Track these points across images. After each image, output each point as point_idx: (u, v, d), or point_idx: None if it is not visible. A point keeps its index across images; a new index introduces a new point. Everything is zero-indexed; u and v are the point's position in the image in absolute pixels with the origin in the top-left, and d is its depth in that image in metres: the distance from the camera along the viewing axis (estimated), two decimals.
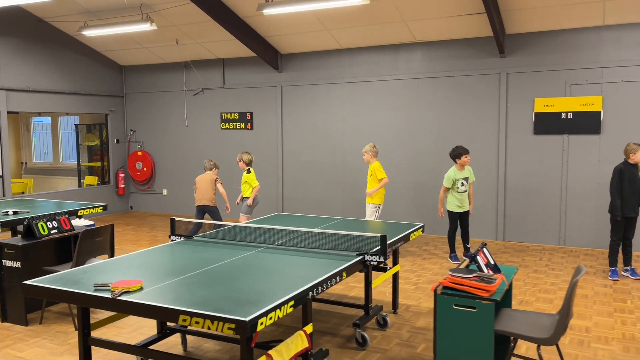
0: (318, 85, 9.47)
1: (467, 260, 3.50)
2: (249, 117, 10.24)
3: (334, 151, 9.38)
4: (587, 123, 7.52)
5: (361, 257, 3.72)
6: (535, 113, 7.82)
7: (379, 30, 8.37)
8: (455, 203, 6.80)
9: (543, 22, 7.48)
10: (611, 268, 6.13)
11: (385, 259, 3.70)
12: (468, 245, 7.00)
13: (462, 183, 6.79)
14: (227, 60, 10.35)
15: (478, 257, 3.33)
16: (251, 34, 8.98)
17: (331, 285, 3.29)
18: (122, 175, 11.54)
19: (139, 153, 11.49)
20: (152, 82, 11.22)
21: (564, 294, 5.45)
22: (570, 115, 7.62)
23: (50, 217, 4.96)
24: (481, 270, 3.29)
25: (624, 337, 4.40)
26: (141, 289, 3.00)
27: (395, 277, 4.93)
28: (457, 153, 6.78)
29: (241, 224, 4.96)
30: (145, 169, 11.46)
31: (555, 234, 7.85)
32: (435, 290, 3.18)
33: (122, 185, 11.55)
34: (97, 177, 11.91)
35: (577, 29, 7.50)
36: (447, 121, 8.49)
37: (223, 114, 10.47)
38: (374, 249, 3.82)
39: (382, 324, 4.51)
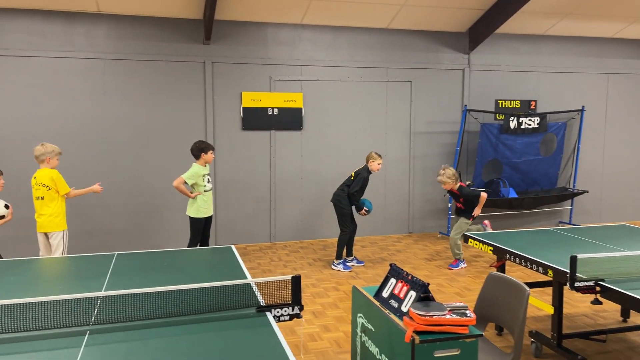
0: None
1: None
2: None
3: None
4: (290, 119, 7.66)
5: (265, 312, 2.53)
6: (243, 107, 7.46)
7: None
8: (201, 207, 5.68)
9: (250, 11, 7.13)
10: (341, 260, 6.39)
11: (301, 308, 2.63)
12: None
13: (209, 179, 5.75)
14: None
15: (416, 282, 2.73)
16: None
17: None
18: None
19: None
20: None
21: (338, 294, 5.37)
22: (276, 111, 7.59)
23: None
24: (422, 298, 2.71)
25: None
26: None
27: None
28: (204, 147, 5.67)
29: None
30: None
31: (266, 231, 7.75)
32: (412, 341, 2.42)
33: None
34: None
35: (280, 24, 7.50)
36: (146, 113, 7.12)
37: None
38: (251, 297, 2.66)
39: None
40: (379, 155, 6.32)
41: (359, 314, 3.10)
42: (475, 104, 8.27)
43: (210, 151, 5.70)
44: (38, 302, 2.45)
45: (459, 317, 2.51)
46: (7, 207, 4.95)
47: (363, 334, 3.03)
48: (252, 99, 7.48)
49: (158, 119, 7.16)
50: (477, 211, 6.23)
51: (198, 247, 4.61)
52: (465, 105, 7.84)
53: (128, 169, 7.10)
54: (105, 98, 6.95)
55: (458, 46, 8.22)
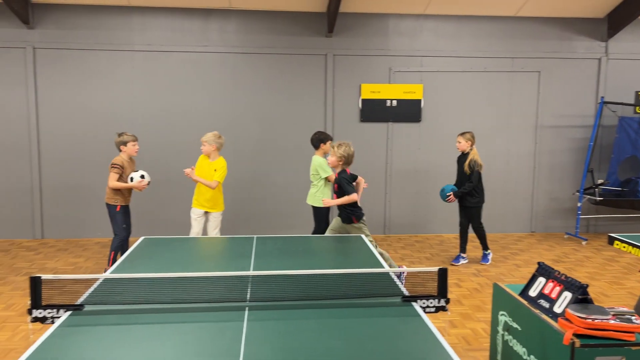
0: (95, 52, 7.07)
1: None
2: None
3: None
4: (409, 111, 7.57)
5: (411, 302, 2.53)
6: (362, 99, 7.49)
7: None
8: (323, 196, 5.78)
9: (374, 3, 7.13)
10: (487, 251, 6.25)
11: (447, 301, 2.60)
12: None
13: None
14: None
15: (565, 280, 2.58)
16: None
17: None
18: None
19: None
20: None
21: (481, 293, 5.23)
22: (394, 103, 7.55)
23: None
24: (580, 300, 2.55)
25: None
26: None
27: None
28: (323, 137, 5.79)
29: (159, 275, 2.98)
30: None
31: (380, 223, 7.76)
32: (571, 344, 2.29)
33: None
34: None
35: (401, 15, 7.42)
36: (270, 106, 7.41)
37: None
38: (397, 287, 2.66)
39: None
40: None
41: (501, 312, 3.00)
42: (613, 95, 7.61)
43: (329, 142, 5.79)
44: (202, 277, 2.65)
45: (625, 323, 2.33)
46: (142, 177, 5.38)
47: (506, 333, 2.93)
48: (371, 91, 7.49)
49: (281, 110, 7.42)
50: (331, 201, 4.97)
51: (328, 235, 4.71)
52: (602, 97, 7.25)
53: (253, 157, 7.43)
54: (234, 90, 7.32)
55: (594, 33, 7.61)
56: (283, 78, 7.37)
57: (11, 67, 6.95)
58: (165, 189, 7.23)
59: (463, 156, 6.16)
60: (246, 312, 2.41)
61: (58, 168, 7.16)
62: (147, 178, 5.40)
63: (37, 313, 2.36)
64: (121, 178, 5.30)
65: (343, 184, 4.89)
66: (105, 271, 5.41)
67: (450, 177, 7.21)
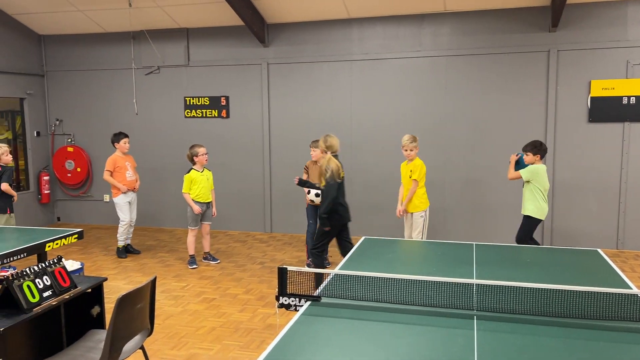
0: (318, 64, 7.68)
1: None
2: (223, 103, 8.19)
3: (340, 145, 7.62)
4: None
5: None
6: (592, 97, 6.73)
7: None
8: (544, 208, 5.43)
9: None
10: None
11: None
12: None
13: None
14: (192, 31, 8.18)
15: None
16: None
17: None
18: (46, 177, 8.93)
19: (70, 149, 8.94)
20: (84, 57, 8.69)
21: None
22: (633, 100, 6.61)
23: (39, 271, 2.80)
24: None
25: None
26: None
27: None
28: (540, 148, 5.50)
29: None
30: (78, 170, 8.95)
31: (613, 237, 6.86)
32: None
33: (46, 192, 8.95)
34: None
35: None
36: (482, 107, 7.14)
37: (188, 99, 8.31)
38: None
39: None
40: None
41: None
42: None
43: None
44: (428, 281, 2.68)
45: None
46: (317, 195, 5.72)
47: None
48: (603, 87, 6.68)
49: (494, 112, 7.09)
50: None
51: (557, 247, 4.37)
52: None
53: (465, 161, 7.25)
54: (446, 93, 7.25)
55: None
56: (498, 78, 7.04)
57: (251, 82, 7.97)
58: (382, 191, 7.48)
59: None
60: (475, 321, 2.37)
61: (284, 171, 7.96)
62: (310, 196, 5.87)
63: (282, 300, 2.66)
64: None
65: None
66: (306, 264, 5.94)
67: None
